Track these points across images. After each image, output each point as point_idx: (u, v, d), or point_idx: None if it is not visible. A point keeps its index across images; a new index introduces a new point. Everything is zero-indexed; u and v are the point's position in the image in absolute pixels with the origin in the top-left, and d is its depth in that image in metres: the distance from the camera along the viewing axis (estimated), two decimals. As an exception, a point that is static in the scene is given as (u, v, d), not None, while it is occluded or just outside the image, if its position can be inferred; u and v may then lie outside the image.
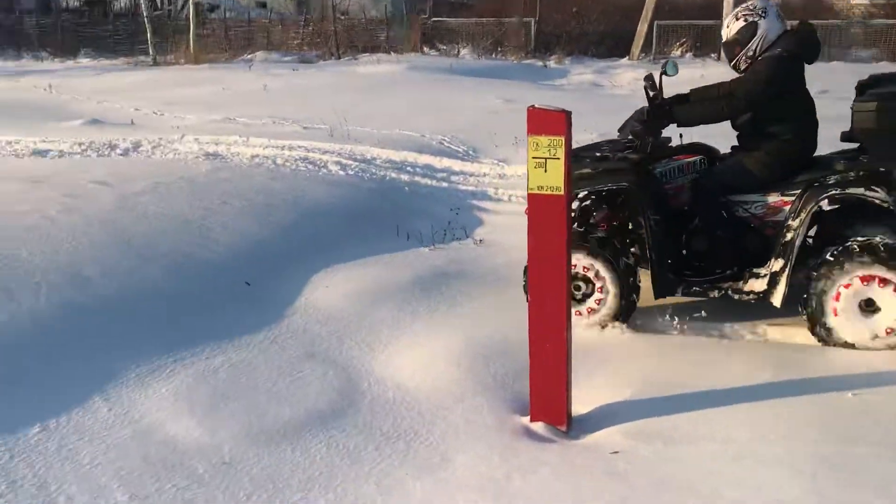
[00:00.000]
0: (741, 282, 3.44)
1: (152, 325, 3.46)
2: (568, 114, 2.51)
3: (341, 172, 6.69)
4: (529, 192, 2.57)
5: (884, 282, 3.07)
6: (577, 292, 3.50)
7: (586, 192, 3.70)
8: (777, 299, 3.32)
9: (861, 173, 3.22)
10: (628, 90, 12.74)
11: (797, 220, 3.29)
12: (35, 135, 8.41)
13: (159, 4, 23.50)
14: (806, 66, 3.54)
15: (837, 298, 3.14)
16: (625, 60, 18.24)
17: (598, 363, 3.17)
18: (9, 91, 13.10)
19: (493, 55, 19.79)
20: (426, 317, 3.74)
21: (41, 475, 2.37)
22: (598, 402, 2.86)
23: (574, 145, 2.75)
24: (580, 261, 3.44)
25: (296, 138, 8.23)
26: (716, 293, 3.47)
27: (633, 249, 3.75)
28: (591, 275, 3.52)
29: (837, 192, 3.25)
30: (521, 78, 14.83)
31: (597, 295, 3.54)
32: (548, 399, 2.68)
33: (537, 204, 2.58)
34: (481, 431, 2.67)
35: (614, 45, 19.63)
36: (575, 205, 3.68)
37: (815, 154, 3.55)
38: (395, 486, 2.37)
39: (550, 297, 2.63)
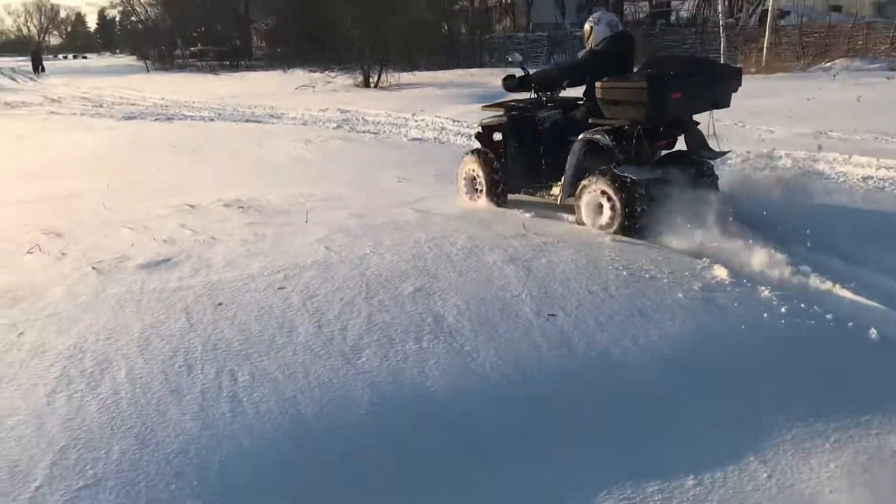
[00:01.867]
0: (551, 189, 5.35)
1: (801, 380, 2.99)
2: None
3: None
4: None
5: (604, 194, 4.76)
6: (473, 183, 5.83)
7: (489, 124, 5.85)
8: (561, 200, 5.18)
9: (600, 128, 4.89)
10: None
11: (574, 153, 5.02)
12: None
13: (733, 12, 23.21)
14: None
15: (585, 200, 4.92)
16: None
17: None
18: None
19: None
20: None
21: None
22: None
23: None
24: (470, 164, 5.81)
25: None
26: (538, 195, 5.46)
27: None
28: (475, 172, 5.77)
29: (589, 137, 4.91)
30: None
31: (479, 183, 5.76)
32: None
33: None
34: None
35: None
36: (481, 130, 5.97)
37: None
38: None
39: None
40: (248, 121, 13.49)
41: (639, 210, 4.65)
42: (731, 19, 21.14)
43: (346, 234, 4.81)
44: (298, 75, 25.08)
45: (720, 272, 3.94)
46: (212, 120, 13.90)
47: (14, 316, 3.59)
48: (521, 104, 5.71)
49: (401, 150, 9.48)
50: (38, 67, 36.72)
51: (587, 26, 5.35)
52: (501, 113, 5.67)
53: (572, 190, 5.04)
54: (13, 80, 33.21)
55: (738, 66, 5.32)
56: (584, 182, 4.89)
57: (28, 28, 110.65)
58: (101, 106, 17.82)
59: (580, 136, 4.96)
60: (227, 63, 34.79)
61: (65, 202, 6.62)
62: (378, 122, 12.52)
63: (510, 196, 5.69)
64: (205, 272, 4.13)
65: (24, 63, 52.68)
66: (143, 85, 24.77)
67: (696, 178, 4.93)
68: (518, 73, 5.75)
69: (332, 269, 4.04)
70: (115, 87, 24.22)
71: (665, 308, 3.51)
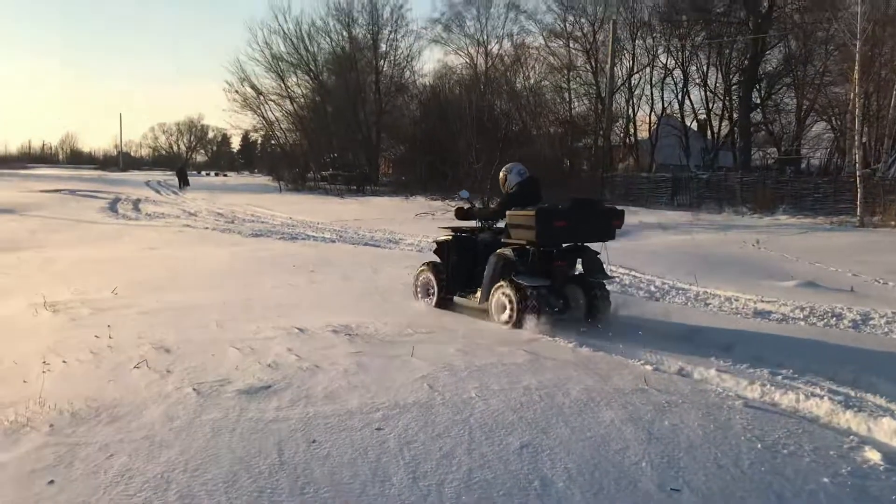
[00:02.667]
0: (476, 293, 6.73)
1: None
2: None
3: None
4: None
5: (506, 295, 6.18)
6: (427, 287, 7.39)
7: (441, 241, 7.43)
8: (479, 301, 6.63)
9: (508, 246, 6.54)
10: None
11: (489, 265, 6.55)
12: (752, 292, 8.25)
13: (871, 163, 22.35)
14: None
15: (493, 301, 6.39)
16: None
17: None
18: (719, 245, 13.67)
19: None
20: None
21: None
22: None
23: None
24: (425, 272, 7.41)
25: None
26: (469, 298, 6.84)
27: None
28: (429, 279, 7.34)
29: (499, 252, 6.56)
30: None
31: (432, 287, 7.31)
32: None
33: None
34: None
35: None
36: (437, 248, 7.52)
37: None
38: None
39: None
40: (366, 244, 13.79)
41: (529, 307, 5.98)
42: (867, 170, 20.26)
43: (451, 372, 4.58)
44: (419, 202, 25.84)
45: (872, 455, 3.44)
46: (333, 241, 14.30)
47: (108, 435, 3.52)
48: (466, 229, 7.38)
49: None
50: (182, 183, 39.55)
51: (502, 175, 7.14)
52: (450, 234, 7.38)
53: (487, 293, 6.51)
54: (158, 192, 35.90)
55: (621, 209, 6.63)
56: (493, 287, 6.42)
57: (178, 145, 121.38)
58: (232, 222, 18.80)
59: (494, 252, 6.59)
60: (355, 187, 36.41)
61: (180, 315, 6.75)
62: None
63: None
64: (303, 403, 3.98)
65: (171, 177, 57.37)
66: (274, 204, 26.12)
67: (587, 292, 6.45)
68: (466, 205, 7.83)
69: (433, 412, 3.80)
70: (249, 205, 25.65)
71: (808, 495, 3.05)
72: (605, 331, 6.01)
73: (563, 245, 6.47)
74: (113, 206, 24.02)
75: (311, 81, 45.82)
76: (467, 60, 40.74)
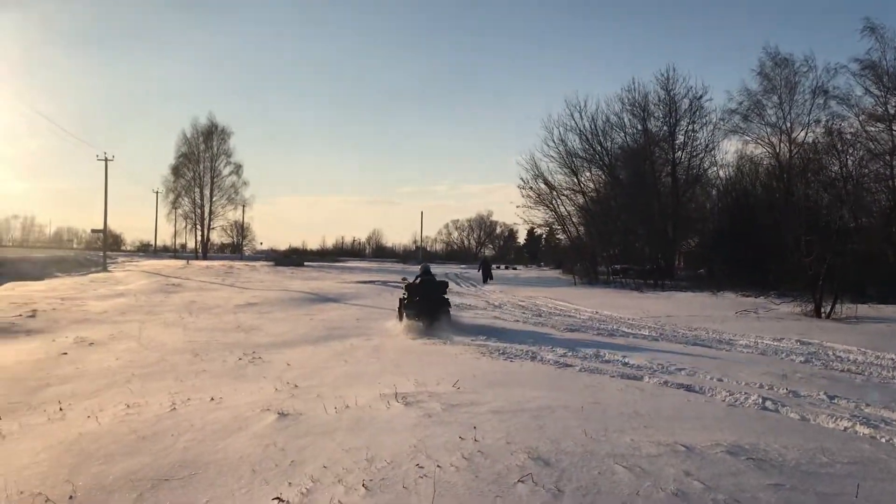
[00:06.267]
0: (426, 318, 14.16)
1: None
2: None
3: None
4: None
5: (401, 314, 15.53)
6: (399, 311, 15.96)
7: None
8: (425, 323, 14.06)
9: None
10: None
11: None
12: None
13: None
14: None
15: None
16: None
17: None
18: None
19: None
20: None
21: None
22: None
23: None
24: (398, 304, 16.08)
25: None
26: (420, 322, 14.07)
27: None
28: (398, 307, 15.94)
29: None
30: None
31: (399, 312, 15.75)
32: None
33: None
34: None
35: None
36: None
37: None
38: None
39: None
40: (694, 344, 12.60)
41: (409, 323, 14.32)
42: None
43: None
44: (730, 298, 23.87)
45: None
46: (655, 339, 13.31)
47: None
48: (413, 282, 15.64)
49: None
50: (487, 277, 40.47)
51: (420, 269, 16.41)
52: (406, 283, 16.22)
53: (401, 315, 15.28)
54: (458, 284, 37.46)
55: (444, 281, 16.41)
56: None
57: (469, 240, 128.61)
58: (539, 315, 18.60)
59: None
60: (652, 282, 35.03)
61: (536, 417, 6.26)
62: (854, 361, 10.64)
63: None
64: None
65: (465, 270, 60.12)
66: (574, 297, 25.72)
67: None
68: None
69: None
70: (548, 298, 25.53)
71: None
72: None
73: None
74: (422, 297, 25.23)
75: (603, 175, 45.85)
76: (769, 150, 38.07)
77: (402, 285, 17.18)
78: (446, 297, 15.23)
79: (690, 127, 42.77)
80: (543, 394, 7.57)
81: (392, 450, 5.23)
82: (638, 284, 34.43)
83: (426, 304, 14.46)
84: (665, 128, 43.51)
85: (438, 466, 4.76)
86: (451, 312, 15.06)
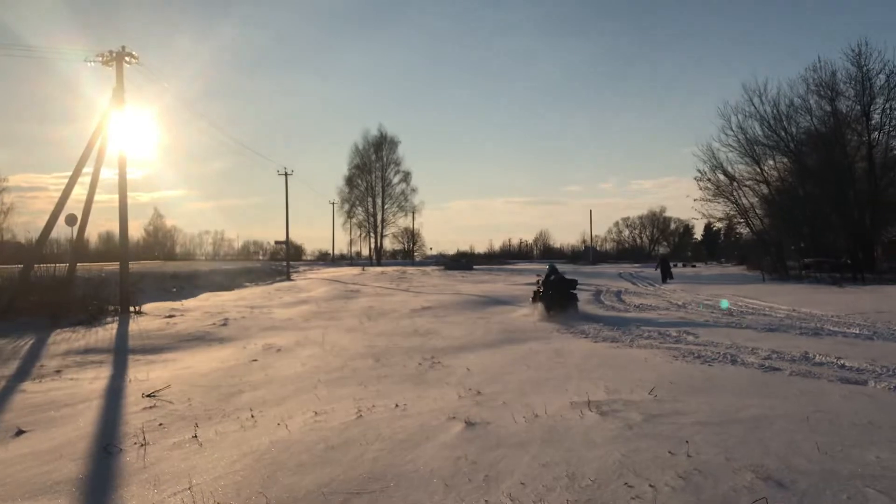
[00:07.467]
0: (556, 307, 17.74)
1: None
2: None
3: None
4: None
5: (536, 304, 19.78)
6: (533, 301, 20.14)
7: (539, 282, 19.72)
8: (553, 312, 17.71)
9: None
10: None
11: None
12: None
13: None
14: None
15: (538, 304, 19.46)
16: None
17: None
18: None
19: None
20: None
21: None
22: None
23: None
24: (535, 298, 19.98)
25: None
26: (549, 309, 17.82)
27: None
28: (533, 299, 20.24)
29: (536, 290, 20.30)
30: None
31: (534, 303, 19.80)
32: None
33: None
34: None
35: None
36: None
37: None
38: None
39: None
40: (923, 345, 11.02)
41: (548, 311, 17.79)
42: None
43: None
44: (952, 291, 21.09)
45: None
46: (869, 338, 11.83)
47: None
48: (545, 278, 19.15)
49: None
50: (666, 276, 38.20)
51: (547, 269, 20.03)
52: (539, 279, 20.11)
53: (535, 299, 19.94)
54: (634, 284, 36.04)
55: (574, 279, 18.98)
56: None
57: (641, 238, 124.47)
58: (730, 315, 17.28)
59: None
60: (848, 275, 31.91)
61: (750, 431, 5.53)
62: None
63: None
64: None
65: (640, 269, 57.99)
66: (765, 294, 23.84)
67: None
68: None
69: None
70: (736, 296, 23.86)
71: None
72: None
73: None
74: (597, 298, 24.38)
75: (788, 162, 42.53)
76: None
77: (536, 282, 20.89)
78: (574, 292, 18.60)
79: (888, 105, 38.76)
80: (755, 402, 6.75)
81: (594, 465, 4.73)
82: (834, 278, 31.46)
83: (556, 296, 18.13)
84: (858, 107, 39.72)
85: (651, 486, 4.20)
86: (632, 314, 14.33)
